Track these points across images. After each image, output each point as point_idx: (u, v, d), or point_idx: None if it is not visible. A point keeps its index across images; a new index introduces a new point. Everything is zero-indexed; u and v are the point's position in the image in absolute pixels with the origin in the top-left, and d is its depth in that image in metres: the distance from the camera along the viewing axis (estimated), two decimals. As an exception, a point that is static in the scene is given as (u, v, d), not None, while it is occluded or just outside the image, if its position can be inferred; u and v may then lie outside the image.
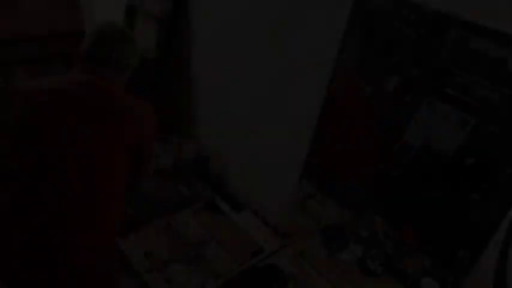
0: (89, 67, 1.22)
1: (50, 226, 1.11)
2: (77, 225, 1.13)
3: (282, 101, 1.57)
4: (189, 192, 1.87)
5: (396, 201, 1.50)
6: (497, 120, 1.18)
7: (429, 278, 1.40)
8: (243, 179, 1.91)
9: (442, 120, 1.36)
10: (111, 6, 2.51)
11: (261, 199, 1.83)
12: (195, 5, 1.89)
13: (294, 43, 1.45)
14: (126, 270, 1.46)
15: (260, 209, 1.81)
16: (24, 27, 2.58)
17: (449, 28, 1.19)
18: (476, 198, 1.32)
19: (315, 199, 1.87)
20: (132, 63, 1.32)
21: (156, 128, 1.32)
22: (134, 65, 1.34)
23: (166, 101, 2.19)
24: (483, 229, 1.28)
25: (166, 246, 1.55)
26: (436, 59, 1.26)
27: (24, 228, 1.12)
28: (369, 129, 1.66)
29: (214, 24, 1.83)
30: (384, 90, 1.38)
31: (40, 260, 1.11)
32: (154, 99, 2.08)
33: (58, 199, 1.11)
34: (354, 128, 1.67)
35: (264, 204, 1.81)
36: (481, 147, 1.25)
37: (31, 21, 2.60)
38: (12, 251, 1.13)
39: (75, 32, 2.83)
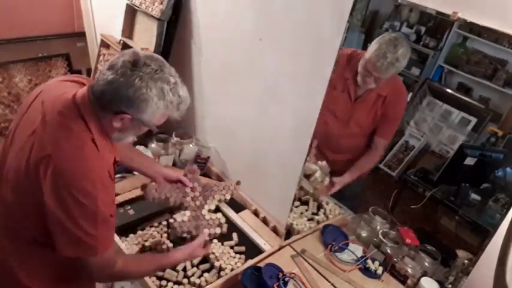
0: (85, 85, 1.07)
1: None
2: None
3: (283, 100, 1.57)
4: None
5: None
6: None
7: (429, 278, 1.40)
8: (243, 179, 1.91)
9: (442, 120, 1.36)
10: (111, 6, 2.51)
11: (261, 199, 1.83)
12: (195, 5, 1.89)
13: (296, 37, 1.45)
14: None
15: (260, 209, 1.81)
16: (24, 28, 2.58)
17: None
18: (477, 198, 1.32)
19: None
20: (123, 109, 0.99)
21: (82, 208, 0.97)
22: (133, 116, 1.00)
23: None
24: (484, 229, 1.27)
25: (165, 246, 1.55)
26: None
27: None
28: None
29: (214, 24, 1.83)
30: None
31: None
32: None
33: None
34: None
35: (264, 204, 1.81)
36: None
37: (31, 21, 2.59)
38: None
39: (74, 33, 2.84)
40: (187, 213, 1.46)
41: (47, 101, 1.05)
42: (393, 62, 1.43)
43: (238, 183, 1.55)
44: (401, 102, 1.61)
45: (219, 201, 1.56)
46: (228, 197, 1.59)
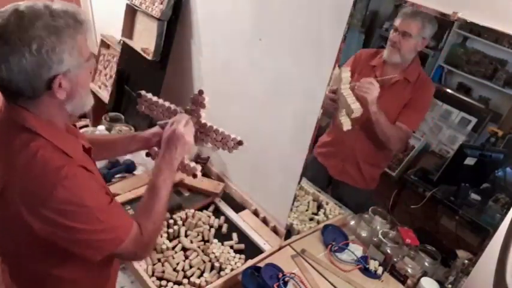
0: None
1: None
2: None
3: (283, 100, 1.57)
4: (189, 192, 1.87)
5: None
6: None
7: (429, 278, 1.40)
8: (243, 179, 1.91)
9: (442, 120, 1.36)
10: (111, 6, 2.51)
11: (261, 199, 1.83)
12: (195, 5, 1.89)
13: (296, 37, 1.45)
14: (124, 268, 1.46)
15: (260, 209, 1.81)
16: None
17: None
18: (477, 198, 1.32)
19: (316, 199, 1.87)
20: (50, 75, 0.83)
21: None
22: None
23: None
24: (484, 229, 1.27)
25: (165, 246, 1.55)
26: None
27: None
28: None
29: (214, 24, 1.83)
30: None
31: None
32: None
33: None
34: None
35: (264, 204, 1.81)
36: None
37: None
38: None
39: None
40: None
41: None
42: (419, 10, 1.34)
43: (240, 143, 1.29)
44: (428, 91, 1.52)
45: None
46: (220, 150, 1.32)
